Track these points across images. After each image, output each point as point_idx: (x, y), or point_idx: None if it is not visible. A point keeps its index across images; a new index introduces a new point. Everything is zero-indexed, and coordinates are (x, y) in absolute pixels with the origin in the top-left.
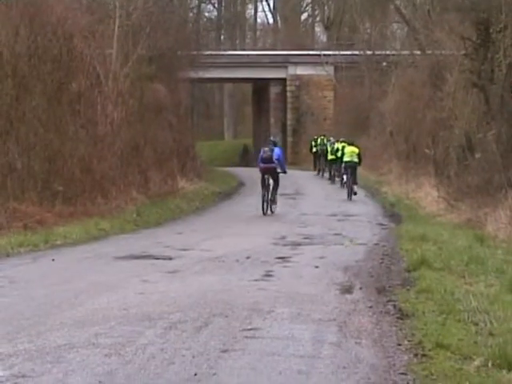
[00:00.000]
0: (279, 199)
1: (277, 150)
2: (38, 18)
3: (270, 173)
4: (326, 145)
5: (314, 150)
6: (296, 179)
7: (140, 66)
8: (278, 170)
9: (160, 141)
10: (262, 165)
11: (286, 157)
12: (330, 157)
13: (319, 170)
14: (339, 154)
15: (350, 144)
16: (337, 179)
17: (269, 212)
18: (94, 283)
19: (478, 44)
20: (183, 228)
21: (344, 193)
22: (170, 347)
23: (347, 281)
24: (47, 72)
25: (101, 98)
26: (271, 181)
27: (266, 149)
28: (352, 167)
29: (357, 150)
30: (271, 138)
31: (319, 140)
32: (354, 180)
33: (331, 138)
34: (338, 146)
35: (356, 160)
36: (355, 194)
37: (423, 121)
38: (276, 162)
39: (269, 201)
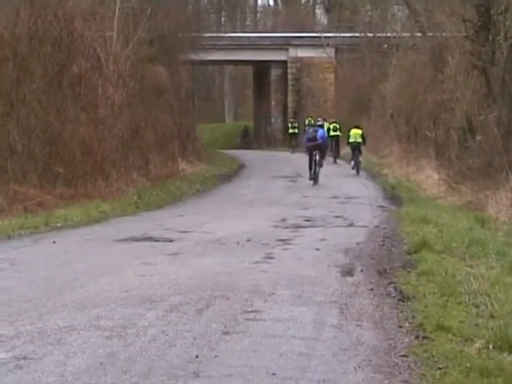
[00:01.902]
0: (280, 181)
1: (320, 131)
2: (38, 0)
3: (316, 149)
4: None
5: (291, 131)
6: (297, 161)
7: (141, 48)
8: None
9: (161, 123)
10: (308, 143)
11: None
12: None
13: (294, 148)
14: (331, 133)
15: (355, 127)
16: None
17: (318, 182)
18: (95, 265)
19: (479, 26)
20: (184, 210)
21: (343, 171)
22: (171, 329)
23: (348, 263)
24: (48, 54)
25: (101, 80)
26: (318, 156)
27: (311, 130)
28: (357, 147)
29: (360, 132)
30: (319, 121)
31: (307, 121)
32: (358, 158)
33: (319, 119)
34: (329, 126)
35: (359, 140)
36: (360, 162)
37: (424, 103)
38: (320, 140)
39: (318, 173)
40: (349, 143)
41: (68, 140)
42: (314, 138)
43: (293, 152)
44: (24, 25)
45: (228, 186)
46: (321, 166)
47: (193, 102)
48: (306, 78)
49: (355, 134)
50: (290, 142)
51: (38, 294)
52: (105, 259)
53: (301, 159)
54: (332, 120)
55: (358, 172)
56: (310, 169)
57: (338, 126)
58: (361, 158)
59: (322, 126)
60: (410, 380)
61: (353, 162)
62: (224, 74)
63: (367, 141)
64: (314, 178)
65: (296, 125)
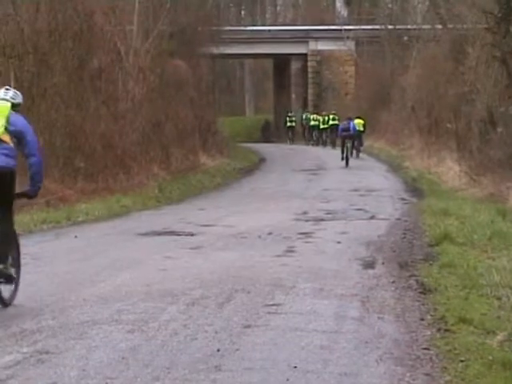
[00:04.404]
0: (301, 174)
1: (352, 123)
2: None
3: (348, 138)
4: (308, 119)
5: (289, 124)
6: (316, 154)
7: (161, 41)
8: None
9: (181, 117)
10: (343, 133)
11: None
12: (322, 126)
13: (292, 140)
14: (330, 122)
15: (357, 117)
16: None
17: (349, 165)
18: (117, 260)
19: (500, 18)
20: (205, 204)
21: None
22: (192, 323)
23: (369, 256)
24: (68, 48)
25: (122, 74)
26: (349, 144)
27: (345, 122)
28: (358, 135)
29: (362, 122)
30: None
31: (304, 115)
32: (360, 143)
33: (323, 112)
34: (329, 116)
35: (362, 129)
36: (362, 145)
37: (445, 95)
38: (352, 131)
39: (349, 157)
40: None
41: (89, 134)
42: (347, 129)
43: (291, 143)
44: (44, 19)
45: (249, 180)
46: (351, 152)
47: (213, 96)
48: (327, 70)
49: (359, 123)
50: (288, 134)
51: (60, 289)
52: (126, 253)
53: (320, 152)
54: (332, 111)
55: (357, 156)
56: (343, 152)
57: (336, 117)
58: (361, 149)
59: (351, 120)
60: (432, 373)
61: (355, 150)
62: (244, 67)
63: (386, 134)
64: (346, 160)
65: (294, 119)
